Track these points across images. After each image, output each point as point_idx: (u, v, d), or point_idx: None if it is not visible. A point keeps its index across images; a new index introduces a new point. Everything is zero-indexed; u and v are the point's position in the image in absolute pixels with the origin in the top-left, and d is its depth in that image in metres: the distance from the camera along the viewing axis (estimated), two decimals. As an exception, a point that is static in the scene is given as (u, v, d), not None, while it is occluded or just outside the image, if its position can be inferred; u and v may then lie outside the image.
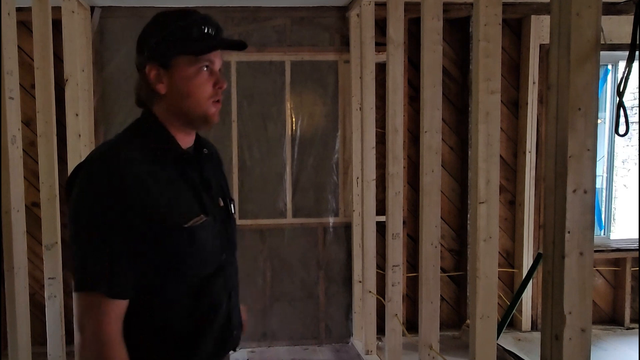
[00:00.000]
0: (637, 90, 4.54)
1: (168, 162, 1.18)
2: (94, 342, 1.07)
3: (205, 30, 1.19)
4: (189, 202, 1.18)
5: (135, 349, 1.14)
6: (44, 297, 3.09)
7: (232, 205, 1.35)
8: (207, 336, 1.22)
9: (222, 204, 1.29)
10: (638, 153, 4.71)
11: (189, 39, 1.17)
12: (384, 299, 3.23)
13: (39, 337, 3.15)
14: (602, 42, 1.39)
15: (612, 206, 4.44)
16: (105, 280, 1.08)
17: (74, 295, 1.10)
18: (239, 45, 1.24)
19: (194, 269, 1.18)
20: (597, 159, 1.57)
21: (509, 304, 3.62)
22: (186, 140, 1.25)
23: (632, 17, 1.43)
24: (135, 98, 1.25)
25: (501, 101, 2.67)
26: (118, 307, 1.10)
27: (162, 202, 1.12)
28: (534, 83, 3.96)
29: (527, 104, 3.97)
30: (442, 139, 2.86)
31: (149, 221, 1.10)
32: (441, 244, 3.80)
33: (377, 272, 3.61)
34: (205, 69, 1.19)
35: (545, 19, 3.85)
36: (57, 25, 3.12)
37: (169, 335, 1.18)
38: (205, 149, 1.31)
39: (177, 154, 1.21)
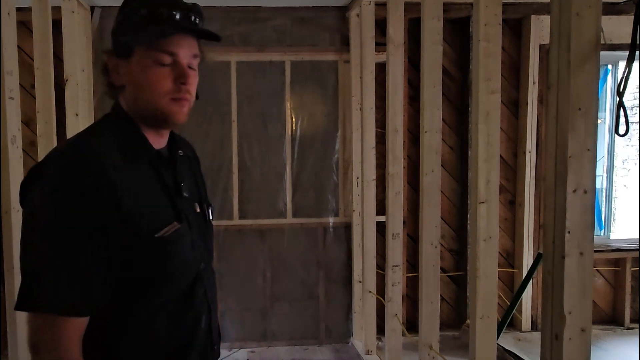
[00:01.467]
0: (637, 90, 4.54)
1: (140, 163, 1.06)
2: None
3: (163, 15, 1.03)
4: (162, 207, 1.06)
5: None
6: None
7: (209, 211, 1.22)
8: (189, 353, 1.11)
9: (198, 209, 1.17)
10: (638, 153, 4.71)
11: (143, 25, 1.03)
12: (384, 299, 3.23)
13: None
14: (602, 42, 1.39)
15: (612, 206, 4.44)
16: (68, 296, 0.94)
17: (27, 314, 0.96)
18: (204, 34, 1.08)
19: (169, 281, 1.06)
20: (597, 159, 1.57)
21: (509, 304, 3.62)
22: (158, 140, 1.12)
23: (632, 17, 1.43)
24: (106, 88, 1.13)
25: (501, 101, 2.67)
26: (79, 325, 0.97)
27: (134, 207, 0.99)
28: (534, 83, 3.96)
29: (527, 104, 3.97)
30: (442, 139, 2.86)
31: (120, 228, 0.97)
32: (441, 244, 3.80)
33: (377, 272, 3.61)
34: (164, 60, 1.04)
35: (545, 19, 3.85)
36: (57, 25, 3.12)
37: (149, 354, 1.06)
38: (180, 151, 1.17)
39: (149, 154, 1.08)
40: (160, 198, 1.07)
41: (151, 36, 1.03)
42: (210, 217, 1.23)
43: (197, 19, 1.08)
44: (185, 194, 1.13)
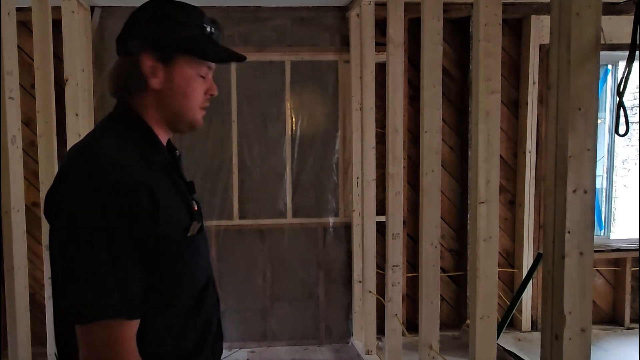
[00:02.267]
0: (637, 90, 4.54)
1: (159, 167, 1.08)
2: None
3: (214, 35, 1.12)
4: (181, 209, 1.09)
5: None
6: (44, 297, 3.09)
7: (200, 209, 1.25)
8: (205, 350, 1.14)
9: (196, 207, 1.17)
10: (638, 153, 4.71)
11: (197, 39, 1.09)
12: (384, 299, 3.23)
13: (39, 337, 3.15)
14: (602, 42, 1.39)
15: (612, 206, 4.44)
16: (125, 301, 0.94)
17: (81, 330, 0.94)
18: (241, 59, 1.16)
19: (194, 280, 1.10)
20: (597, 159, 1.57)
21: (509, 304, 3.62)
22: (164, 142, 1.15)
23: (632, 17, 1.43)
24: (111, 86, 1.12)
25: (501, 101, 2.67)
26: (135, 329, 0.98)
27: (165, 209, 1.01)
28: (534, 83, 3.96)
29: (527, 104, 3.97)
30: (442, 139, 2.86)
31: (151, 232, 0.98)
32: (441, 244, 3.80)
33: (377, 272, 3.61)
34: (205, 74, 1.12)
35: (545, 19, 3.85)
36: (57, 25, 3.12)
37: (173, 354, 1.08)
38: (177, 151, 1.20)
39: (165, 158, 1.11)
40: (177, 200, 1.10)
41: (216, 57, 1.12)
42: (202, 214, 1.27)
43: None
44: (193, 195, 1.17)
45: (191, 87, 1.10)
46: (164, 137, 1.14)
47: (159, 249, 1.00)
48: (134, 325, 0.97)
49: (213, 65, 1.13)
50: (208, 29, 1.11)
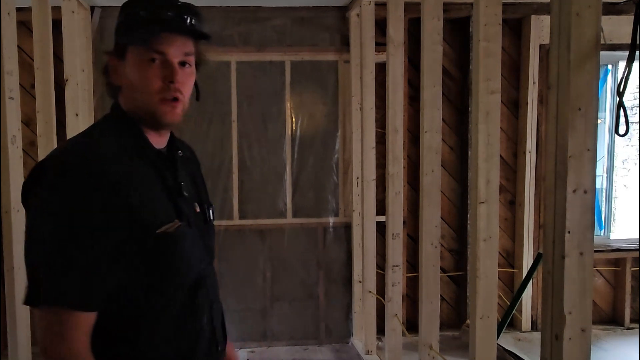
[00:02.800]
0: (637, 90, 4.54)
1: (142, 162, 1.08)
2: (58, 355, 0.97)
3: (153, 15, 1.05)
4: (164, 206, 1.07)
5: None
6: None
7: (210, 212, 1.23)
8: (195, 352, 1.12)
9: (198, 209, 1.18)
10: (638, 153, 4.71)
11: (137, 26, 1.06)
12: (384, 299, 3.23)
13: (39, 337, 3.14)
14: (602, 42, 1.39)
15: (612, 206, 4.44)
16: (77, 290, 0.96)
17: (36, 311, 0.98)
18: (190, 32, 1.08)
19: (171, 279, 1.08)
20: (597, 159, 1.57)
21: (509, 304, 3.62)
22: (158, 140, 1.14)
23: (632, 17, 1.43)
24: (106, 88, 1.15)
25: (501, 101, 2.67)
26: (87, 321, 0.98)
27: (136, 205, 1.01)
28: (534, 83, 3.95)
29: (527, 104, 3.97)
30: (442, 139, 2.86)
31: (123, 226, 0.99)
32: (441, 244, 3.80)
33: (377, 272, 3.61)
34: (155, 60, 1.05)
35: (545, 19, 3.85)
36: (57, 25, 3.12)
37: (156, 354, 1.07)
38: (180, 151, 1.19)
39: (151, 153, 1.10)
40: (161, 197, 1.08)
41: (138, 36, 1.05)
42: (211, 218, 1.24)
43: (192, 19, 1.09)
44: (185, 194, 1.14)
45: (139, 75, 1.06)
46: (153, 135, 1.12)
47: (125, 240, 1.00)
48: (86, 317, 0.98)
49: (169, 49, 1.06)
50: (145, 11, 1.06)
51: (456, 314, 4.14)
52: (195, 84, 1.17)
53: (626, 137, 2.14)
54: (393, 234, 3.10)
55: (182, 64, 1.09)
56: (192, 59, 1.11)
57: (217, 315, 1.21)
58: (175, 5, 1.08)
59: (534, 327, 4.04)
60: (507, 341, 3.80)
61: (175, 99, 1.07)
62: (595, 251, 2.18)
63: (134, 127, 1.10)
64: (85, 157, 1.00)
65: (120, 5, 1.12)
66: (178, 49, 1.07)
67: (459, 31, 4.02)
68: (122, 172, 1.01)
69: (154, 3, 1.07)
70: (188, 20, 1.08)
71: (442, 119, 2.73)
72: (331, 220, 3.98)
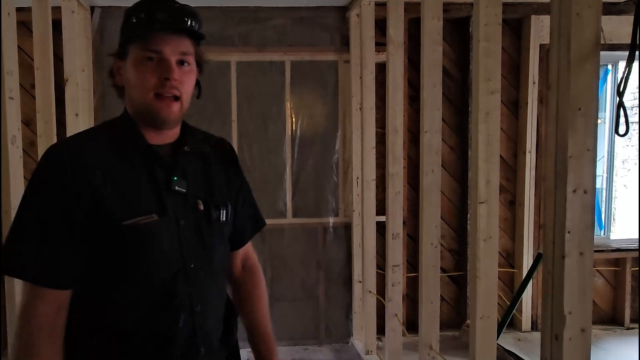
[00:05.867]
0: (637, 90, 4.54)
1: (130, 157, 1.11)
2: (22, 327, 1.04)
3: (148, 16, 1.09)
4: (143, 199, 1.09)
5: (83, 350, 1.10)
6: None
7: (220, 212, 1.20)
8: (169, 351, 1.12)
9: (201, 207, 1.16)
10: (638, 153, 4.71)
11: (135, 27, 1.11)
12: (384, 299, 3.23)
13: (39, 337, 3.13)
14: (602, 42, 1.39)
15: (612, 206, 4.44)
16: (35, 265, 1.04)
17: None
18: (184, 32, 1.11)
19: (139, 271, 1.09)
20: (597, 159, 1.57)
21: (509, 304, 3.62)
22: (158, 137, 1.15)
23: (632, 17, 1.43)
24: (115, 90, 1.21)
25: (501, 101, 2.67)
26: (54, 297, 1.05)
27: (108, 195, 1.06)
28: (534, 83, 3.95)
29: (527, 104, 3.97)
30: (442, 139, 2.86)
31: (88, 211, 1.05)
32: (441, 244, 3.80)
33: (377, 272, 3.61)
34: (152, 58, 1.09)
35: (545, 19, 3.85)
36: (57, 25, 3.12)
37: (123, 342, 1.10)
38: (186, 147, 1.18)
39: (140, 148, 1.12)
40: (144, 190, 1.10)
41: (136, 36, 1.10)
42: (223, 218, 1.21)
43: (188, 19, 1.11)
44: (177, 189, 1.13)
45: (137, 72, 1.10)
46: (152, 132, 1.14)
47: (92, 228, 1.06)
48: (51, 293, 1.05)
49: (164, 47, 1.09)
50: (140, 12, 1.11)
51: (456, 314, 4.14)
52: (198, 83, 1.19)
53: (626, 137, 2.14)
54: (393, 234, 3.10)
55: (181, 62, 1.12)
56: (190, 58, 1.13)
57: (204, 318, 1.17)
58: (172, 7, 1.12)
59: (534, 327, 4.04)
60: (507, 341, 3.80)
61: (175, 98, 1.10)
62: (595, 251, 2.18)
63: (128, 124, 1.14)
64: (62, 148, 1.10)
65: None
66: (174, 48, 1.10)
67: (459, 31, 4.02)
68: (94, 163, 1.07)
69: (152, 5, 1.11)
70: (183, 21, 1.11)
71: (442, 119, 2.73)
72: (331, 220, 3.98)
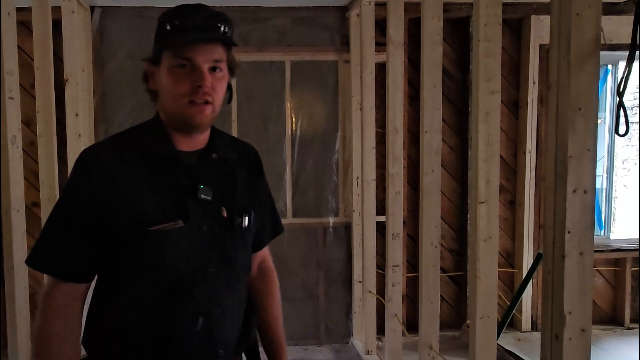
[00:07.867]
0: (637, 90, 4.54)
1: (156, 163, 1.14)
2: (42, 310, 1.11)
3: (181, 24, 1.11)
4: (168, 206, 1.12)
5: (102, 349, 1.16)
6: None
7: (243, 219, 1.22)
8: (184, 352, 1.13)
9: (225, 214, 1.18)
10: (638, 153, 4.71)
11: (167, 34, 1.13)
12: (384, 299, 3.23)
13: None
14: (602, 42, 1.39)
15: (612, 206, 4.44)
16: (54, 260, 1.12)
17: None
18: (218, 41, 1.14)
19: (152, 273, 1.12)
20: (597, 159, 1.57)
21: (509, 304, 3.62)
22: (188, 143, 1.17)
23: (632, 17, 1.43)
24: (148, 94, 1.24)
25: (501, 101, 2.67)
26: (68, 288, 1.12)
27: (128, 202, 1.10)
28: (534, 83, 3.95)
29: (527, 104, 3.97)
30: (442, 139, 2.86)
31: (104, 214, 1.10)
32: (441, 244, 3.80)
33: (377, 272, 3.61)
34: (185, 65, 1.11)
35: (545, 19, 3.85)
36: (57, 25, 3.12)
37: (135, 340, 1.13)
38: (214, 154, 1.20)
39: (167, 154, 1.15)
40: (169, 197, 1.13)
41: (169, 44, 1.12)
42: (245, 225, 1.22)
43: (222, 27, 1.14)
44: (203, 197, 1.15)
45: (169, 80, 1.12)
46: (181, 138, 1.17)
47: (107, 229, 1.11)
48: (64, 285, 1.12)
49: (196, 55, 1.11)
50: (174, 20, 1.12)
51: (456, 314, 4.14)
52: (229, 87, 1.21)
53: (626, 137, 2.14)
54: (393, 234, 3.10)
55: (213, 69, 1.14)
56: (222, 65, 1.16)
57: (222, 322, 1.18)
58: (205, 15, 1.13)
59: (534, 327, 4.04)
60: (507, 341, 3.80)
61: (206, 102, 1.13)
62: (595, 251, 2.18)
63: (158, 129, 1.17)
64: (89, 153, 1.15)
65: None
66: (206, 56, 1.12)
67: (459, 31, 4.02)
68: (116, 171, 1.11)
69: (186, 13, 1.13)
70: (216, 28, 1.14)
71: (442, 119, 2.73)
72: (331, 220, 3.98)
